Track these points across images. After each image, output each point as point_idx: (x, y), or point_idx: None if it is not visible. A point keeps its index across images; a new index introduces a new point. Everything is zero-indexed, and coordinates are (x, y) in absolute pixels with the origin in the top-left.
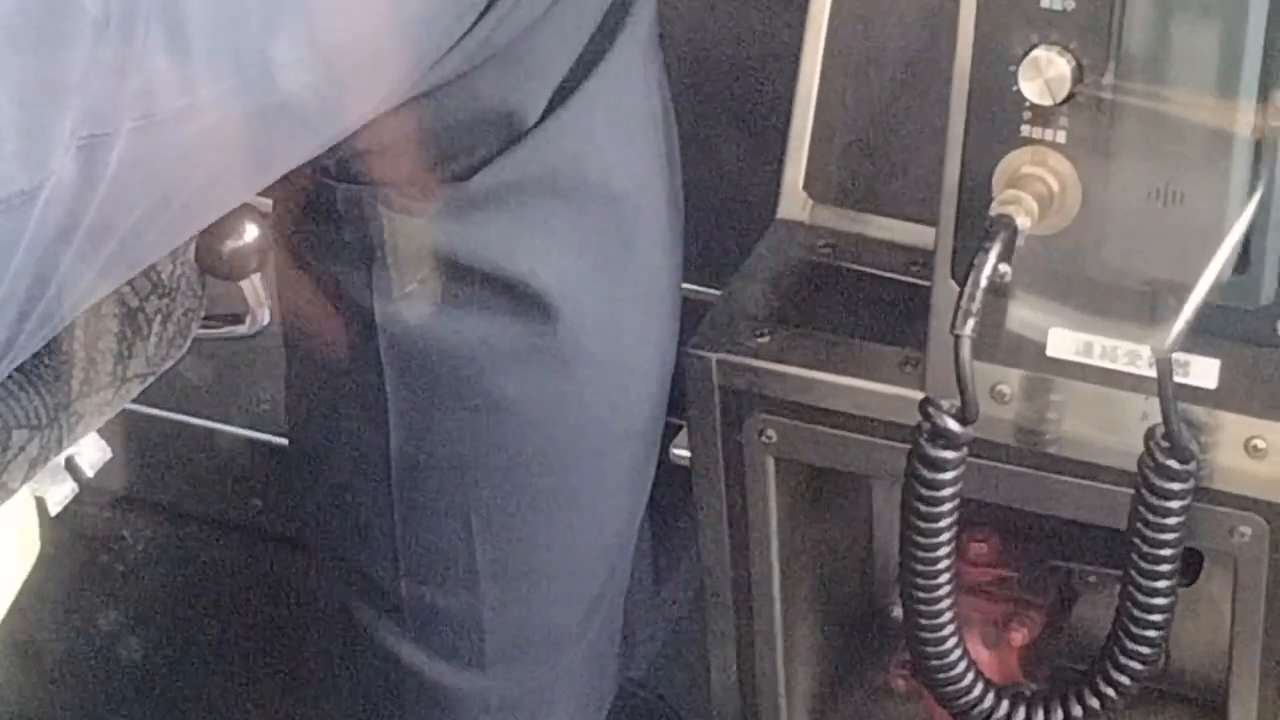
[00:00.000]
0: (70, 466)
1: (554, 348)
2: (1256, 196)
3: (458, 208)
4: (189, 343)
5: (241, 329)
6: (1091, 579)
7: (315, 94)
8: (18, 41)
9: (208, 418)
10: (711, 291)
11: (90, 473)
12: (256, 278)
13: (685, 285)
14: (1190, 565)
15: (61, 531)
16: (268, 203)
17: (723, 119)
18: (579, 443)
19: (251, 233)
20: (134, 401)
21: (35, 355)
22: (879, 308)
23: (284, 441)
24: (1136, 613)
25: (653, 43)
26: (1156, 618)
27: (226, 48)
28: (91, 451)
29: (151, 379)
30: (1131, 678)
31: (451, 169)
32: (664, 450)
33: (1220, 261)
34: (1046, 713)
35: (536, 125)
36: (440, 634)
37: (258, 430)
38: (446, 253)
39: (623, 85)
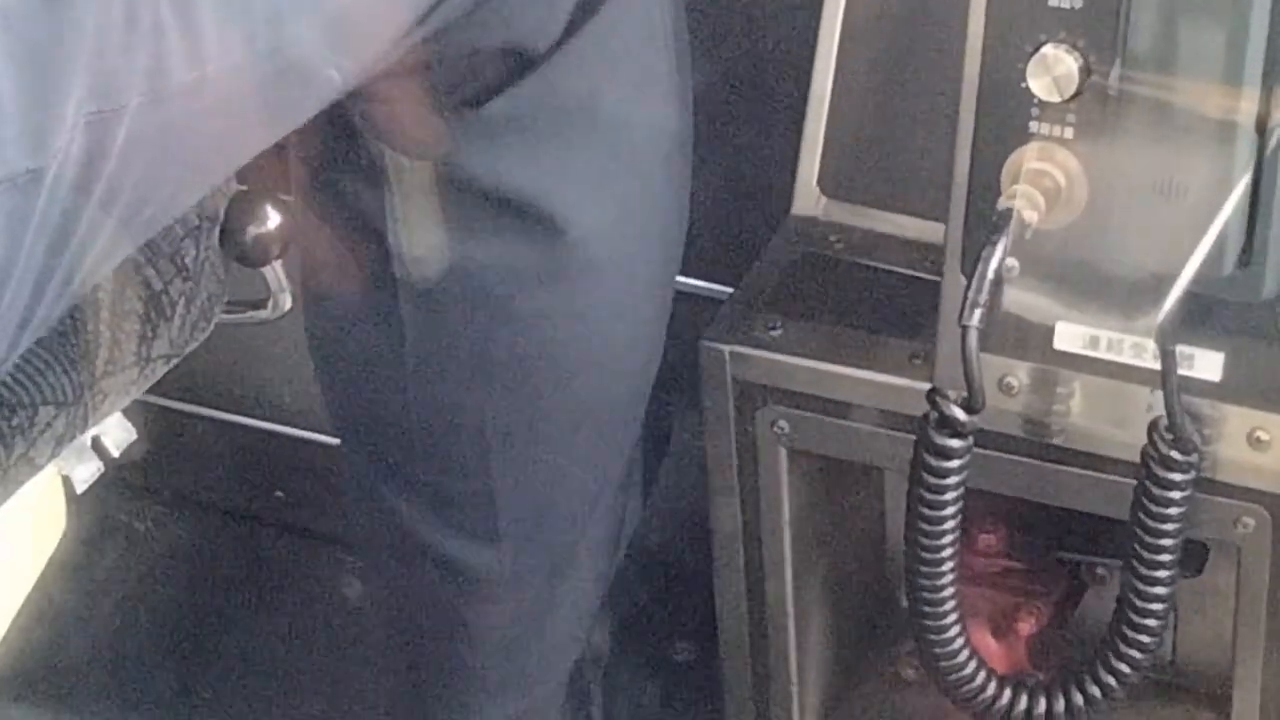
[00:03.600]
0: (96, 446)
1: (562, 265)
2: (1244, 180)
3: (470, 134)
4: (212, 326)
5: (264, 314)
6: (1099, 571)
7: (322, 57)
8: (16, 23)
9: (230, 410)
10: (725, 289)
11: (116, 452)
12: (279, 264)
13: (699, 282)
14: (1195, 557)
15: (84, 519)
16: (289, 192)
17: (737, 115)
18: (586, 353)
19: (274, 219)
20: (157, 393)
21: (61, 334)
22: (890, 301)
23: (306, 434)
24: (1138, 601)
25: None
26: (1156, 606)
27: (235, 22)
28: (117, 431)
29: (175, 360)
30: (1132, 666)
31: (462, 95)
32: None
33: (1206, 246)
34: (1049, 701)
35: (547, 56)
36: (456, 512)
37: (280, 423)
38: (459, 178)
39: (635, 19)
